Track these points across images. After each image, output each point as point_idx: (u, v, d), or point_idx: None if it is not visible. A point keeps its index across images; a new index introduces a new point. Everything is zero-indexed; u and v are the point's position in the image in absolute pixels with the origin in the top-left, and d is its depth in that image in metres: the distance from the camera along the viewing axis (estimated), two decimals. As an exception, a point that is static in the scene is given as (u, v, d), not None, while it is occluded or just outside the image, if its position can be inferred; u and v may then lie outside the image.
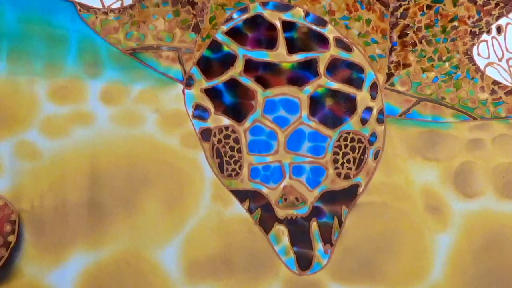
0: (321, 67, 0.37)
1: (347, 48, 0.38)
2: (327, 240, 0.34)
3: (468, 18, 0.40)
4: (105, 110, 0.35)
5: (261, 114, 0.36)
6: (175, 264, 0.33)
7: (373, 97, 0.37)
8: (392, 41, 0.39)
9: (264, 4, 0.38)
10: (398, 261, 0.34)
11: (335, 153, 0.36)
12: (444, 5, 0.40)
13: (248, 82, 0.37)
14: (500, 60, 0.39)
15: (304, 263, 0.34)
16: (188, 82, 0.37)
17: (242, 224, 0.34)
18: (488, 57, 0.39)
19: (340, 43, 0.38)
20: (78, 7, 0.37)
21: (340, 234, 0.34)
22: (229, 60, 0.37)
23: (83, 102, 0.35)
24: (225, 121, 0.36)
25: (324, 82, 0.37)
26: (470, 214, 0.35)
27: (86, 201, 0.33)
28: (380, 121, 0.37)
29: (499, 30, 0.40)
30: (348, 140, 0.36)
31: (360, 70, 0.38)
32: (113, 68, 0.36)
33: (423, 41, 0.39)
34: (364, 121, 0.37)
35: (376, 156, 0.36)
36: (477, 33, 0.39)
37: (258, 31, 0.38)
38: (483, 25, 0.40)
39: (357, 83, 0.37)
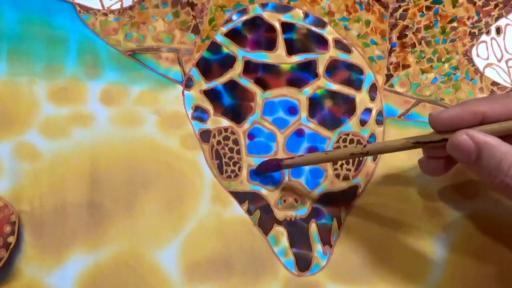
0: (321, 69, 0.37)
1: (347, 49, 0.38)
2: (326, 241, 0.34)
3: (468, 19, 0.40)
4: (104, 111, 0.35)
5: (261, 115, 0.36)
6: (174, 265, 0.33)
7: (372, 98, 0.37)
8: (391, 42, 0.39)
9: (264, 6, 0.38)
10: (397, 262, 0.34)
11: (334, 154, 0.36)
12: (444, 6, 0.40)
13: (248, 83, 0.37)
14: (499, 61, 0.39)
15: (303, 264, 0.34)
16: (188, 84, 0.37)
17: (241, 226, 0.34)
18: (487, 58, 0.39)
19: (340, 44, 0.38)
20: (78, 8, 0.37)
21: (339, 235, 0.35)
22: (228, 62, 0.37)
23: (83, 103, 0.35)
24: (225, 122, 0.36)
25: (323, 83, 0.37)
26: (469, 215, 0.35)
27: (86, 202, 0.33)
28: (379, 122, 0.37)
29: (498, 31, 0.40)
30: (348, 141, 0.36)
31: (359, 71, 0.38)
32: (113, 69, 0.36)
33: (423, 42, 0.39)
34: (363, 122, 0.37)
35: (375, 157, 0.36)
36: (476, 34, 0.39)
37: (257, 33, 0.38)
38: (483, 26, 0.40)
39: (357, 84, 0.38)
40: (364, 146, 0.31)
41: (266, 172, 0.35)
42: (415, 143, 0.30)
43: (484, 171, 0.27)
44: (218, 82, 0.37)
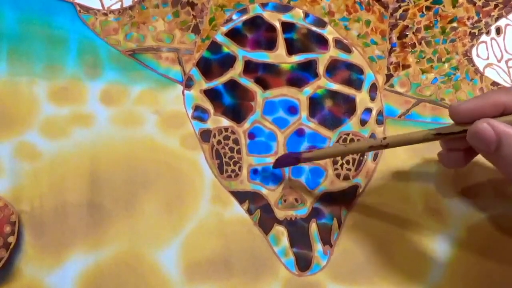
0: (321, 68, 0.37)
1: (347, 49, 0.38)
2: (326, 241, 0.34)
3: (468, 19, 0.40)
4: (105, 111, 0.35)
5: (261, 115, 0.36)
6: (174, 265, 0.33)
7: (372, 98, 0.37)
8: (391, 42, 0.39)
9: (264, 5, 0.38)
10: (398, 262, 0.34)
11: (335, 154, 0.36)
12: (444, 6, 0.40)
13: (248, 83, 0.37)
14: (499, 61, 0.39)
15: (304, 264, 0.34)
16: (188, 83, 0.37)
17: (241, 225, 0.34)
18: (487, 58, 0.39)
19: (340, 44, 0.38)
20: (78, 8, 0.37)
21: (339, 235, 0.35)
22: (228, 61, 0.37)
23: (83, 103, 0.35)
24: (225, 122, 0.36)
25: (323, 83, 0.37)
26: (469, 215, 0.35)
27: (86, 202, 0.33)
28: (379, 122, 0.37)
29: (498, 31, 0.40)
30: (348, 141, 0.36)
31: (360, 71, 0.38)
32: (113, 69, 0.36)
33: (423, 42, 0.39)
34: (363, 122, 0.37)
35: (375, 157, 0.36)
36: (476, 34, 0.40)
37: (257, 32, 0.38)
38: (482, 26, 0.40)
39: (357, 84, 0.38)
40: (384, 138, 0.31)
41: (284, 166, 0.35)
42: (436, 135, 0.30)
43: (503, 162, 0.27)
44: (218, 82, 0.37)
